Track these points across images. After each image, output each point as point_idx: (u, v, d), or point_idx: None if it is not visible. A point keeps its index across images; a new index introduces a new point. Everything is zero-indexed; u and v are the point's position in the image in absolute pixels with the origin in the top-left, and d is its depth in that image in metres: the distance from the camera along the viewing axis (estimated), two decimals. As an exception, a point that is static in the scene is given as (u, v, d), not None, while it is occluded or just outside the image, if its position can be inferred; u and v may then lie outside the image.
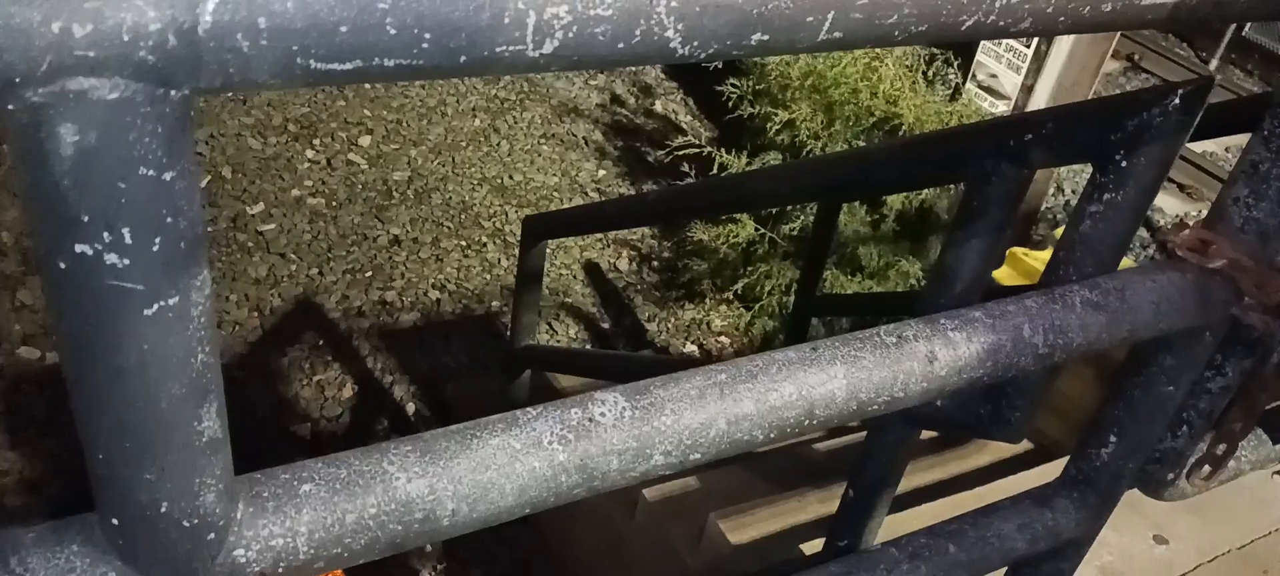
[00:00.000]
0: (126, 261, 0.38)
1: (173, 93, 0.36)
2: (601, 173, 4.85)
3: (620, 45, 0.42)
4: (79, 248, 0.37)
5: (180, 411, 0.43)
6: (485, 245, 4.19)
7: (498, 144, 4.78)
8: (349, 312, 3.71)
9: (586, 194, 4.69)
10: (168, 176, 0.37)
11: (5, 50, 0.31)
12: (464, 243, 4.17)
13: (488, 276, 4.06)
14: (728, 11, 0.44)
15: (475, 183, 4.50)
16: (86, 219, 0.36)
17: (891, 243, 3.84)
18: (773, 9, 0.45)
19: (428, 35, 0.38)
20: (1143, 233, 5.24)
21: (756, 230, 3.78)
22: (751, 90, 3.91)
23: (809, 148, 3.65)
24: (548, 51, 0.41)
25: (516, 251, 3.23)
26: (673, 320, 4.18)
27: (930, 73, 3.91)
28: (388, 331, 3.69)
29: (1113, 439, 0.99)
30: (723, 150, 3.90)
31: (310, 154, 4.37)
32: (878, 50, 3.64)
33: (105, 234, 0.37)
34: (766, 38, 0.46)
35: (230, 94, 4.02)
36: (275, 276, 3.74)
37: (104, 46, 0.33)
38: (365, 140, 4.52)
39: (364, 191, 4.26)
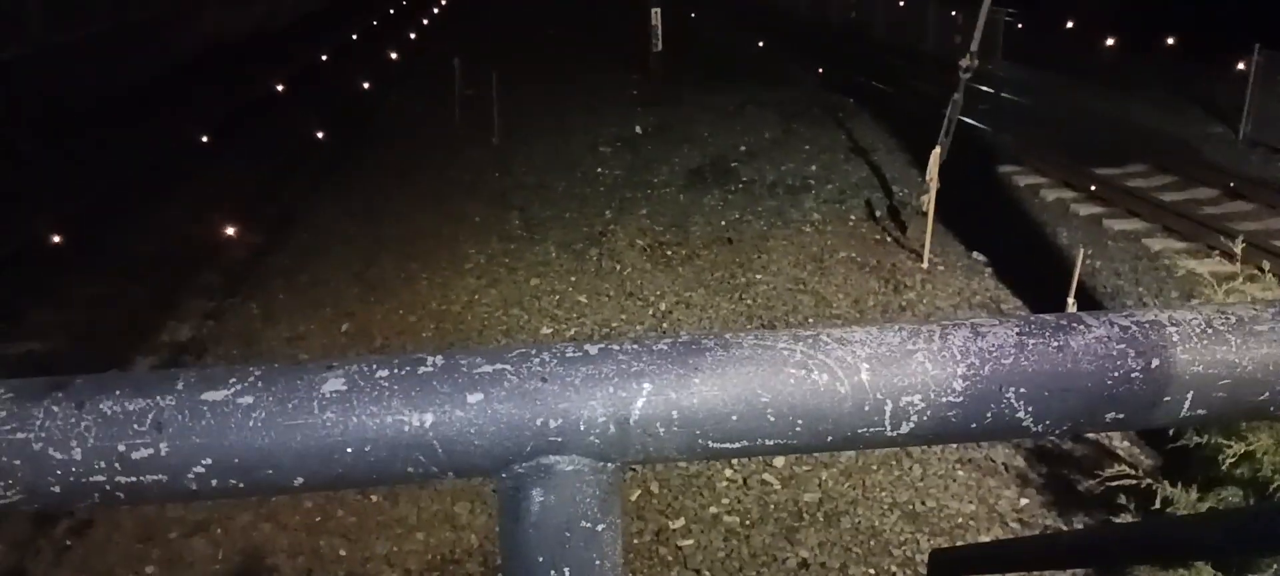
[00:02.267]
0: None
1: (609, 465, 0.48)
2: (1023, 502, 4.53)
3: (972, 425, 0.48)
4: None
5: None
6: None
7: (910, 468, 4.71)
8: (756, 634, 3.74)
9: (1006, 525, 4.38)
10: (599, 528, 0.48)
11: (506, 438, 0.46)
12: (872, 572, 4.07)
13: (897, 609, 3.89)
14: (1077, 394, 0.47)
15: (885, 508, 4.43)
16: (541, 559, 0.48)
17: None
18: (1125, 392, 0.47)
19: (800, 422, 0.47)
20: None
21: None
22: (1199, 416, 3.51)
23: (1275, 484, 3.13)
24: (904, 432, 0.48)
25: (927, 584, 3.09)
26: (1116, 679, 3.62)
27: None
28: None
29: None
30: (1166, 482, 3.48)
31: (728, 473, 4.64)
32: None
33: (552, 571, 0.48)
34: (1122, 416, 0.48)
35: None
36: (689, 591, 3.92)
37: (568, 433, 0.47)
38: (779, 460, 4.71)
39: (775, 511, 4.39)
